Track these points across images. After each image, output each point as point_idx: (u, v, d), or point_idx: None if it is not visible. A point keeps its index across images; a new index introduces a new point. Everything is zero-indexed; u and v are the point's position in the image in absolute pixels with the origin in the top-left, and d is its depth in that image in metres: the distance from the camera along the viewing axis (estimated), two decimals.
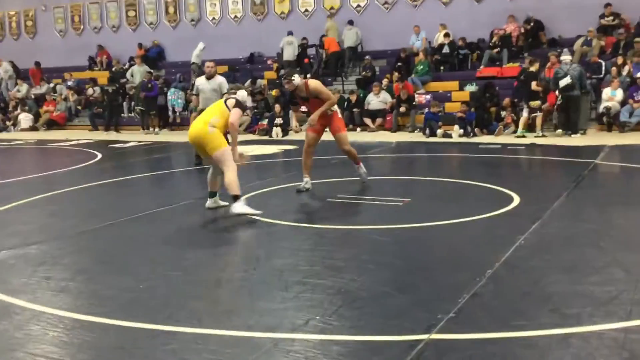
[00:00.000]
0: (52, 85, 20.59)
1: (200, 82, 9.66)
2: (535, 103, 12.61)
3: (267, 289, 3.94)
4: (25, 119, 19.13)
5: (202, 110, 9.47)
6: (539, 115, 12.47)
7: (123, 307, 3.71)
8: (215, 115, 6.05)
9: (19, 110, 19.50)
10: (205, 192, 6.46)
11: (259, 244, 5.00)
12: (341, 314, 3.49)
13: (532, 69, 13.24)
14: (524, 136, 12.27)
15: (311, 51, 17.77)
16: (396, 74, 15.38)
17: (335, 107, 7.47)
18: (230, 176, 5.84)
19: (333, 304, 3.62)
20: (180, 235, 5.49)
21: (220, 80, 9.80)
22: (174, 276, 4.28)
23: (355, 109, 15.20)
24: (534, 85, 12.85)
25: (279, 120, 14.77)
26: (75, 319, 3.56)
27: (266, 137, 14.50)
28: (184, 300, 3.80)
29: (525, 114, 12.86)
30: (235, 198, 5.80)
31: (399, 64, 15.96)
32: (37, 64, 21.32)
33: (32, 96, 20.25)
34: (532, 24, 15.54)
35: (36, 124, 19.03)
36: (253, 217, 5.76)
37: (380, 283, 3.96)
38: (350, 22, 17.38)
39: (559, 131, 12.22)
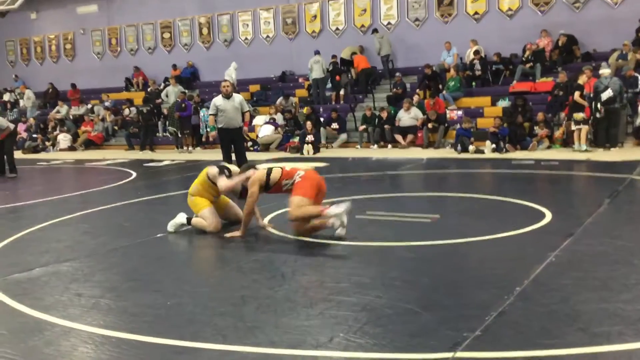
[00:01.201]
0: (90, 106, 21.15)
1: (220, 102, 9.80)
2: (579, 116, 12.27)
3: (292, 305, 3.95)
4: (63, 139, 19.66)
5: (224, 129, 9.77)
6: (584, 129, 12.17)
7: (150, 324, 3.76)
8: (194, 185, 6.45)
9: (57, 131, 20.05)
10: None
11: (284, 261, 5.01)
12: (365, 331, 3.47)
13: (580, 81, 12.80)
14: (587, 150, 11.86)
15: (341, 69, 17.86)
16: (421, 93, 15.40)
17: (303, 167, 6.15)
18: (201, 225, 6.23)
19: (358, 321, 3.60)
20: (208, 253, 5.55)
21: (239, 98, 10.03)
22: (200, 293, 4.32)
23: (386, 126, 15.21)
24: (577, 96, 12.43)
25: (310, 138, 14.86)
26: (104, 335, 3.62)
27: (297, 155, 14.59)
28: (210, 317, 3.83)
29: (568, 127, 12.58)
30: (188, 219, 6.28)
31: (426, 81, 15.95)
32: (73, 85, 21.96)
33: (71, 117, 20.82)
34: (563, 37, 15.36)
35: (74, 144, 19.53)
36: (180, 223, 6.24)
37: (406, 300, 3.93)
38: (317, 53, 17.39)
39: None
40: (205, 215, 6.22)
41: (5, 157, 12.81)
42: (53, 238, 6.39)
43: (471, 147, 12.86)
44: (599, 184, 8.83)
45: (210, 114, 9.98)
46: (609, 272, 4.36)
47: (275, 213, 6.93)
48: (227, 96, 9.77)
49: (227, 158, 9.79)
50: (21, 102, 23.65)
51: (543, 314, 3.61)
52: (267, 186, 5.87)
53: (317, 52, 17.46)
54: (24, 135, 20.44)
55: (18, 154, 18.60)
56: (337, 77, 17.41)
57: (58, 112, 21.10)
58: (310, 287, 4.30)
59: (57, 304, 4.21)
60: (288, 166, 6.00)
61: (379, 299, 3.97)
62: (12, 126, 13.26)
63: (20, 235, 6.53)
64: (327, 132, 15.93)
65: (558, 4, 15.93)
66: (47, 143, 19.95)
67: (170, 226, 6.34)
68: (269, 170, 5.89)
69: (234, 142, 9.96)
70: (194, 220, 6.30)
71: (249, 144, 16.39)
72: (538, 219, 6.08)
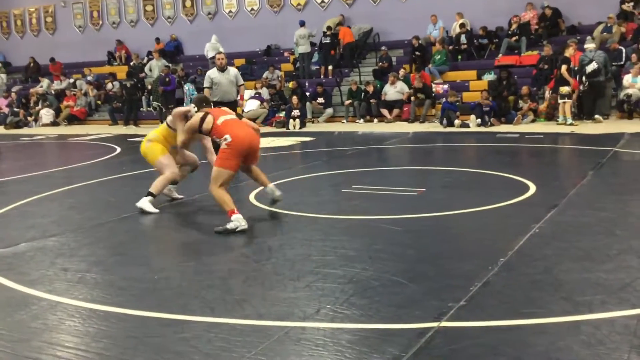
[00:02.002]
0: (72, 80, 20.84)
1: (214, 74, 9.66)
2: (565, 89, 12.25)
3: (279, 278, 3.97)
4: (46, 114, 19.39)
5: (219, 102, 9.60)
6: (568, 102, 12.18)
7: (138, 297, 3.77)
8: (154, 132, 6.42)
9: (40, 106, 19.77)
10: None
11: (272, 235, 5.03)
12: (352, 302, 3.50)
13: (566, 54, 12.58)
14: (571, 124, 11.79)
15: (325, 41, 17.61)
16: (407, 67, 15.36)
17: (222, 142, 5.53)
18: (162, 179, 6.18)
19: (344, 293, 3.64)
20: (194, 227, 5.55)
21: (234, 71, 9.87)
22: (187, 267, 4.33)
23: (372, 100, 15.17)
24: (563, 70, 12.28)
25: (296, 112, 14.80)
26: (91, 309, 3.62)
27: (283, 129, 14.53)
28: (197, 290, 3.84)
29: (553, 100, 12.59)
30: (149, 194, 6.09)
31: (417, 53, 15.85)
32: (52, 59, 21.61)
33: (53, 92, 20.53)
34: (551, 11, 15.31)
35: (57, 119, 19.29)
36: (151, 213, 5.99)
37: (392, 272, 3.97)
38: (302, 24, 17.14)
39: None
40: (163, 163, 6.20)
41: None
42: (38, 213, 6.35)
43: (457, 122, 12.89)
44: (582, 157, 8.90)
45: (206, 87, 9.82)
46: (592, 242, 4.43)
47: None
48: (222, 69, 9.65)
49: None
50: (2, 77, 23.26)
51: (527, 284, 3.67)
52: (200, 131, 5.66)
53: (302, 24, 17.25)
54: (6, 110, 20.16)
55: (0, 129, 18.41)
56: (332, 52, 17.17)
57: (41, 86, 20.79)
58: (297, 260, 4.32)
59: (43, 278, 4.20)
60: (221, 120, 5.51)
61: (365, 271, 4.01)
62: None
63: (4, 210, 6.48)
64: (313, 107, 15.85)
65: None
66: (29, 118, 19.68)
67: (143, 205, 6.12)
68: (204, 117, 5.57)
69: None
70: (159, 180, 6.20)
71: None
72: (522, 192, 6.14)
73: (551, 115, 12.92)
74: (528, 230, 4.71)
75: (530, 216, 5.14)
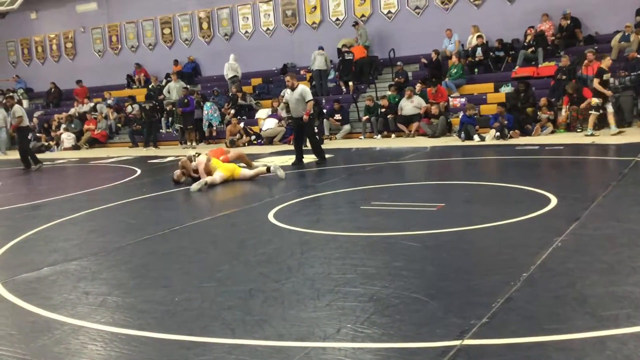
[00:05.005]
0: (92, 104, 21.17)
1: (287, 93, 11.33)
2: (595, 101, 11.94)
3: (299, 298, 3.96)
4: (67, 138, 19.70)
5: (292, 118, 11.51)
6: (594, 114, 11.95)
7: (158, 320, 3.78)
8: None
9: (61, 130, 20.09)
10: (237, 205, 6.54)
11: (291, 254, 5.02)
12: (373, 321, 3.48)
13: (603, 65, 12.00)
14: (592, 134, 11.66)
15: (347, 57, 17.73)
16: (419, 85, 15.38)
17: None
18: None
19: (365, 312, 3.61)
20: (215, 247, 5.57)
21: (300, 89, 11.03)
22: (207, 288, 4.34)
23: (389, 116, 15.17)
24: (596, 83, 11.90)
25: None
26: (112, 332, 3.64)
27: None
28: (218, 311, 3.84)
29: (575, 112, 12.47)
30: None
31: (430, 68, 15.88)
32: (79, 82, 22.00)
33: (77, 114, 20.85)
34: (569, 21, 15.24)
35: (78, 142, 19.57)
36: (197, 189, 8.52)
37: (413, 289, 3.93)
38: (321, 48, 17.36)
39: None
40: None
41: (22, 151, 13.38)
42: (60, 237, 6.42)
43: (475, 136, 12.80)
44: (604, 168, 8.80)
45: (283, 103, 11.70)
46: (616, 255, 4.35)
47: (288, 203, 6.94)
48: (292, 88, 11.03)
49: (297, 146, 11.20)
50: (25, 103, 23.69)
51: (550, 299, 3.61)
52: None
53: (320, 48, 17.39)
54: (28, 135, 20.48)
55: None
56: (352, 68, 17.25)
57: (69, 110, 21.06)
58: (316, 279, 4.30)
59: (65, 302, 4.23)
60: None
61: (385, 289, 3.98)
62: (26, 121, 13.81)
63: (27, 235, 6.56)
64: (330, 124, 15.90)
65: None
66: (51, 142, 19.99)
67: (194, 187, 8.60)
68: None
69: (300, 131, 11.11)
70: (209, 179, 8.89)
71: (252, 137, 16.41)
72: (543, 204, 6.07)
73: (571, 126, 12.81)
74: (550, 244, 4.64)
75: (552, 229, 5.07)
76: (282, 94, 11.82)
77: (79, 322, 3.82)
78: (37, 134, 20.40)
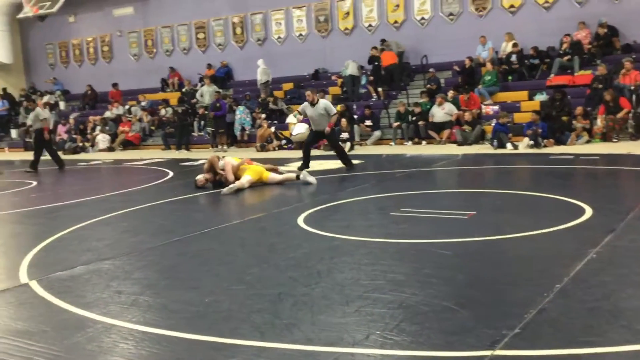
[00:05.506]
0: (127, 107, 21.52)
1: (307, 108, 11.08)
2: None
3: (328, 303, 3.95)
4: (102, 140, 20.06)
5: (313, 131, 11.49)
6: None
7: (188, 321, 3.81)
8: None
9: (97, 132, 20.46)
10: (266, 208, 6.57)
11: (320, 259, 5.02)
12: (402, 328, 3.45)
13: None
14: None
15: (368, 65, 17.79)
16: (451, 92, 15.26)
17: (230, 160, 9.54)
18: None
19: (394, 319, 3.59)
20: (244, 250, 5.60)
21: (323, 104, 11.01)
22: (237, 290, 4.36)
23: (420, 122, 15.09)
24: None
25: (345, 135, 14.83)
26: (143, 331, 3.68)
27: (331, 152, 14.56)
28: (247, 314, 3.86)
29: (612, 122, 12.16)
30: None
31: (462, 75, 15.76)
32: (115, 85, 22.39)
33: (111, 117, 21.22)
34: (605, 29, 14.99)
35: (112, 144, 19.90)
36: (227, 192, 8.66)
37: (443, 298, 3.89)
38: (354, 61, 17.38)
39: None
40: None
41: (44, 152, 13.84)
42: (94, 237, 6.53)
43: (508, 144, 12.65)
44: None
45: (300, 115, 11.97)
46: None
47: (318, 208, 6.95)
48: (312, 103, 10.94)
49: (305, 152, 11.38)
50: (62, 105, 24.22)
51: (584, 312, 3.54)
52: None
53: (353, 61, 17.46)
54: (65, 136, 20.93)
55: (59, 155, 19.09)
56: (372, 77, 17.24)
57: (108, 111, 21.44)
58: (346, 284, 4.29)
59: (98, 301, 4.30)
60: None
61: (415, 296, 3.95)
62: (50, 123, 14.17)
63: (62, 234, 6.69)
64: (361, 130, 15.88)
65: None
66: (86, 144, 20.37)
67: (225, 191, 8.73)
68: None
69: (315, 140, 11.51)
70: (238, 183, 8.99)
71: (283, 142, 16.48)
72: (578, 215, 5.96)
73: (606, 135, 12.58)
74: (585, 256, 4.56)
75: (586, 241, 4.98)
76: (300, 109, 11.78)
77: (111, 321, 3.87)
78: (73, 136, 20.81)
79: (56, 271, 5.11)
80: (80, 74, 25.01)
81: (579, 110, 13.05)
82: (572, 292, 3.86)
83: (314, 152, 14.70)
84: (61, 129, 21.41)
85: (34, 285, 4.74)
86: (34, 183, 12.08)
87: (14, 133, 23.61)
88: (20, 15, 23.65)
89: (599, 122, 12.83)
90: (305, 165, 11.03)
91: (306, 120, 16.54)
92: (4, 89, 24.62)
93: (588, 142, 12.69)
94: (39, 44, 26.15)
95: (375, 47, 17.44)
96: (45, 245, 6.18)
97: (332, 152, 14.42)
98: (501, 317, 3.52)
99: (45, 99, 22.70)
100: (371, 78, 17.50)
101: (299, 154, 14.52)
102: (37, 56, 26.30)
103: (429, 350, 3.16)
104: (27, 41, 26.42)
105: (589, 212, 6.09)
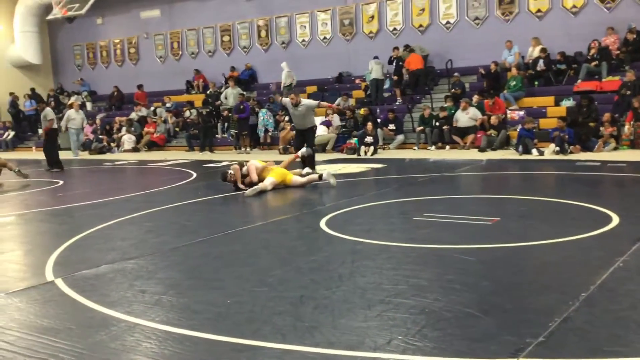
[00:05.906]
0: (152, 108, 21.74)
1: (288, 106, 11.18)
2: None
3: (350, 307, 3.94)
4: (128, 140, 20.29)
5: (296, 129, 11.48)
6: None
7: (211, 321, 3.83)
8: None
9: (122, 132, 20.71)
10: (289, 211, 6.58)
11: (342, 262, 5.02)
12: (424, 334, 3.43)
13: None
14: None
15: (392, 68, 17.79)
16: (476, 97, 15.14)
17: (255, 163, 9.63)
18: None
19: (416, 324, 3.57)
20: (267, 252, 5.61)
21: (305, 103, 11.03)
22: (259, 292, 4.37)
23: (444, 127, 15.01)
24: None
25: (369, 139, 14.82)
26: (166, 331, 3.71)
27: (354, 156, 14.56)
28: (269, 316, 3.87)
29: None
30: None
31: (488, 80, 15.65)
32: (140, 86, 22.65)
33: (137, 117, 21.47)
34: (635, 35, 14.76)
35: (137, 145, 20.12)
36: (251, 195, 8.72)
37: (465, 304, 3.86)
38: (376, 57, 17.43)
39: None
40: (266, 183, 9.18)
41: (52, 152, 14.23)
42: (118, 236, 6.61)
43: (534, 150, 12.52)
44: None
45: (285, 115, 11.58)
46: None
47: (340, 211, 6.95)
48: (295, 105, 10.99)
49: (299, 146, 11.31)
50: (88, 105, 24.55)
51: (610, 321, 3.49)
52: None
53: (376, 57, 17.42)
54: (91, 136, 21.21)
55: (85, 155, 19.38)
56: (396, 77, 17.24)
57: (136, 113, 21.69)
58: (367, 288, 4.28)
59: (122, 300, 4.35)
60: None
61: (437, 302, 3.92)
62: (55, 124, 14.51)
63: (87, 233, 6.77)
64: (384, 133, 15.84)
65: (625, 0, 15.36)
66: (112, 144, 20.63)
67: (248, 192, 8.78)
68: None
69: (302, 140, 11.32)
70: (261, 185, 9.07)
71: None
72: (604, 223, 5.88)
73: (635, 143, 12.38)
74: (611, 264, 4.49)
75: (613, 249, 4.91)
76: (282, 100, 12.09)
77: (135, 320, 3.91)
78: (100, 136, 21.09)
79: (81, 269, 5.17)
80: (107, 75, 25.35)
81: (606, 116, 12.87)
82: (598, 301, 3.81)
83: (335, 155, 14.70)
84: (88, 129, 21.70)
85: (60, 283, 4.81)
86: (60, 182, 12.26)
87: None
88: (50, 17, 24.07)
89: (627, 129, 12.65)
90: (311, 167, 10.80)
91: (326, 122, 16.60)
92: (33, 89, 25.04)
93: (615, 149, 12.51)
94: (67, 45, 26.58)
95: (397, 48, 17.42)
96: (70, 243, 6.26)
97: (353, 156, 14.45)
98: (525, 324, 3.48)
99: (73, 99, 23.03)
100: (395, 77, 17.44)
101: (321, 156, 14.54)
102: (65, 57, 26.73)
103: (452, 357, 3.13)
104: (56, 42, 26.86)
105: (615, 220, 6.00)
